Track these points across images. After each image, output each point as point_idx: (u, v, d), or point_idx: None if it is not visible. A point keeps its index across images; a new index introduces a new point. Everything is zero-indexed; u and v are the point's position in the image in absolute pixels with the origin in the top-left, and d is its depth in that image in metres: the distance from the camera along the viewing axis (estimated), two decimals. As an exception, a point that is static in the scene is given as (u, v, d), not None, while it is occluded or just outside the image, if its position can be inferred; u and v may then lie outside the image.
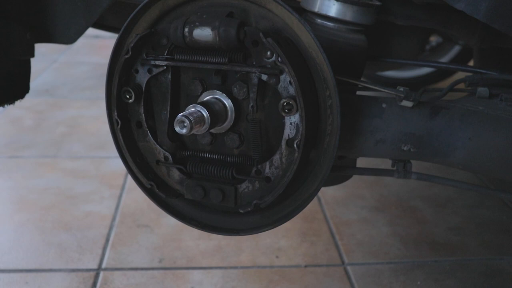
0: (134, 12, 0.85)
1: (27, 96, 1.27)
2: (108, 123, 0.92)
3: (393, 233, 1.78)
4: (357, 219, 1.86)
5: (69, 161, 2.19)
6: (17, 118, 2.58)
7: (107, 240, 1.66)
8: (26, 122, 2.57)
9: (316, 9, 0.99)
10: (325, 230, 1.77)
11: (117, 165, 2.10)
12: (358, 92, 1.04)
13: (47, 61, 3.59)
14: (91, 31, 1.29)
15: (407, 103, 0.93)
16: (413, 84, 3.17)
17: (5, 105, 1.23)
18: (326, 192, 1.98)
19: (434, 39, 3.01)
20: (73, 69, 3.52)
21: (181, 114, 0.76)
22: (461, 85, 1.01)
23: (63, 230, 1.70)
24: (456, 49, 3.00)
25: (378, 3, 1.01)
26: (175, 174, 0.89)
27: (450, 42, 2.86)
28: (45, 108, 2.78)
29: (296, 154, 0.77)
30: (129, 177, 2.01)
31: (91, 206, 1.85)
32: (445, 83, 3.18)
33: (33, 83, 1.23)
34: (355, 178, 1.86)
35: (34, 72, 1.30)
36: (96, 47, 3.73)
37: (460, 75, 2.76)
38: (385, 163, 1.05)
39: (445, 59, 3.04)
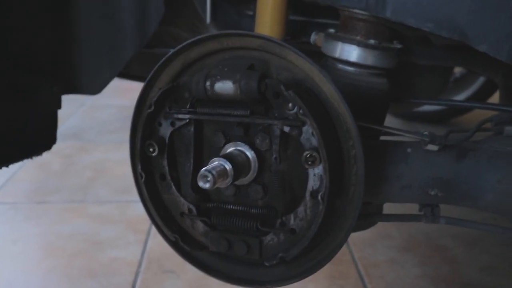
0: (156, 67, 0.87)
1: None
2: (132, 175, 0.93)
3: (423, 274, 1.73)
4: (386, 260, 1.81)
5: (95, 206, 2.21)
6: (45, 163, 2.63)
7: (133, 287, 1.65)
8: (53, 167, 2.62)
9: (337, 55, 0.99)
10: (353, 273, 1.74)
11: (142, 209, 2.09)
12: (381, 136, 1.04)
13: (75, 105, 3.67)
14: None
15: (433, 147, 0.92)
16: (440, 116, 3.13)
17: (33, 157, 1.25)
18: (353, 233, 1.94)
19: (458, 71, 2.99)
20: (99, 112, 3.59)
21: (204, 168, 0.76)
22: (487, 124, 1.00)
23: (89, 277, 1.70)
24: (480, 80, 2.97)
25: (399, 46, 1.01)
26: (200, 226, 0.88)
27: (475, 73, 2.83)
28: (72, 152, 2.82)
29: (321, 206, 0.76)
30: (155, 221, 2.01)
31: (117, 251, 1.85)
32: (471, 116, 3.14)
33: (61, 127, 1.27)
34: (382, 217, 1.83)
35: (62, 116, 1.33)
36: (121, 89, 3.79)
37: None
38: (412, 207, 1.03)
39: (469, 90, 3.01)
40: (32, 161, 2.62)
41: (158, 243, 1.88)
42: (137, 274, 1.72)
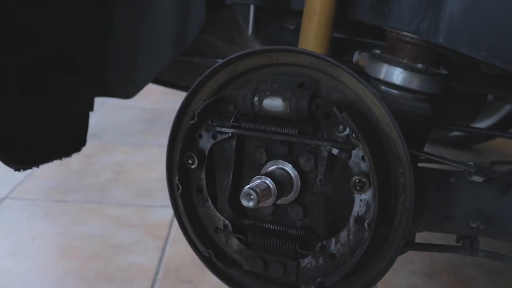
0: (201, 77, 0.85)
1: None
2: (167, 187, 0.91)
3: (445, 304, 1.69)
4: (407, 285, 1.77)
5: (114, 208, 2.20)
6: (65, 162, 2.60)
7: (150, 294, 1.63)
8: (73, 166, 2.61)
9: (381, 76, 0.97)
10: (373, 296, 1.70)
11: (162, 215, 2.09)
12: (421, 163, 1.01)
13: (96, 104, 3.68)
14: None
15: (478, 179, 0.89)
16: (463, 141, 3.09)
17: (62, 158, 1.24)
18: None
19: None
20: (120, 113, 3.59)
21: (248, 186, 0.74)
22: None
23: (106, 281, 1.68)
24: (507, 108, 2.93)
25: (445, 71, 0.98)
26: (234, 243, 0.86)
27: (502, 101, 2.80)
28: (92, 151, 2.82)
29: (366, 233, 0.74)
30: (173, 228, 2.00)
31: (135, 257, 1.84)
32: (492, 143, 3.10)
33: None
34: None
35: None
36: (143, 91, 3.80)
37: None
38: (443, 236, 1.00)
39: (495, 117, 2.97)
40: (53, 159, 2.63)
41: (176, 251, 1.86)
42: (154, 281, 1.70)
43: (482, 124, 2.93)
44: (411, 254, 1.95)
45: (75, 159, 2.66)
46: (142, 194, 2.33)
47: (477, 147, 3.13)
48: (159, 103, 3.89)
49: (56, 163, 2.59)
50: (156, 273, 1.74)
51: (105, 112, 3.58)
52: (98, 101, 3.95)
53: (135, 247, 1.90)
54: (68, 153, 1.25)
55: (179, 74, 1.59)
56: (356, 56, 1.12)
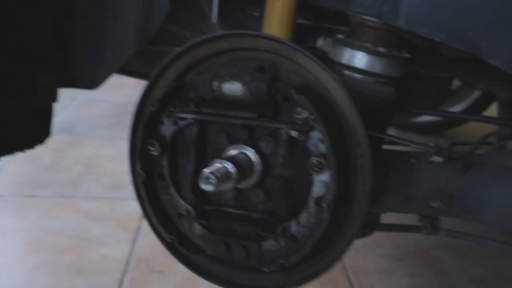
0: (162, 64, 0.85)
1: (47, 134, 1.26)
2: (130, 175, 0.91)
3: (414, 285, 1.72)
4: (376, 268, 1.80)
5: (85, 202, 2.18)
6: (35, 156, 2.59)
7: (121, 286, 1.62)
8: (43, 161, 2.58)
9: (345, 61, 0.97)
10: (343, 280, 1.72)
11: (133, 207, 2.08)
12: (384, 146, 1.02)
13: (67, 98, 3.63)
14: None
15: (438, 159, 0.91)
16: (433, 127, 3.14)
17: (25, 150, 1.22)
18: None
19: (453, 84, 2.99)
20: (92, 107, 3.55)
21: (207, 170, 0.74)
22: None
23: (77, 275, 1.67)
24: (475, 94, 2.97)
25: (407, 55, 1.00)
26: (197, 228, 0.86)
27: (470, 87, 2.84)
28: (63, 146, 2.79)
29: (325, 214, 0.75)
30: (144, 220, 1.99)
31: (106, 249, 1.83)
32: (463, 129, 3.15)
33: (53, 121, 1.25)
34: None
35: (54, 109, 1.30)
36: (115, 85, 3.76)
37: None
38: (405, 216, 1.02)
39: (464, 104, 3.02)
40: (22, 154, 2.58)
41: (147, 243, 1.85)
42: (125, 273, 1.69)
43: (453, 110, 2.97)
44: (380, 238, 1.98)
45: (46, 154, 2.63)
46: (113, 187, 2.32)
47: (448, 133, 3.18)
48: (132, 96, 3.85)
49: (25, 158, 2.56)
50: (127, 264, 1.74)
51: (77, 107, 3.54)
52: (70, 95, 3.92)
53: (106, 239, 1.89)
54: (31, 145, 1.22)
55: (146, 64, 1.57)
56: (320, 42, 1.12)
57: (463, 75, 1.18)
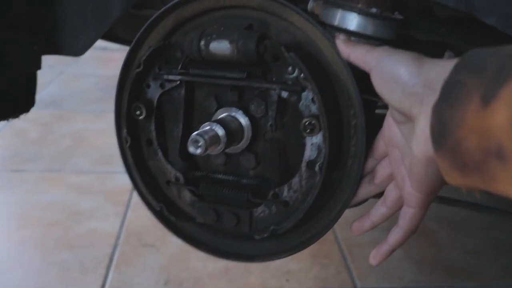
0: (147, 23, 0.81)
1: (33, 108, 1.22)
2: (116, 141, 0.87)
3: (407, 256, 1.71)
4: (370, 240, 1.79)
5: (74, 176, 2.15)
6: (22, 131, 2.55)
7: (111, 260, 1.60)
8: (31, 135, 2.54)
9: (336, 23, 0.94)
10: (336, 253, 1.71)
11: (123, 180, 2.05)
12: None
13: (54, 72, 3.57)
14: (99, 43, 1.25)
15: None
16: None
17: (9, 119, 1.18)
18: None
19: (446, 54, 2.96)
20: (80, 81, 3.49)
21: (195, 133, 0.71)
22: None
23: (65, 249, 1.65)
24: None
25: (400, 17, 0.96)
26: (187, 195, 0.83)
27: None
28: (51, 120, 2.74)
29: (317, 178, 0.72)
30: (135, 194, 1.96)
31: (96, 223, 1.80)
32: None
33: (39, 95, 1.20)
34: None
35: (40, 83, 1.26)
36: (103, 59, 3.71)
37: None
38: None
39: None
40: (9, 129, 2.54)
41: (138, 216, 1.83)
42: (115, 246, 1.67)
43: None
44: (374, 211, 1.97)
45: (33, 128, 2.59)
46: (103, 161, 2.28)
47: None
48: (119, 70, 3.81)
49: (12, 133, 2.52)
50: (118, 238, 1.71)
51: (63, 80, 3.48)
52: (57, 69, 3.86)
53: (96, 213, 1.86)
54: (15, 114, 1.19)
55: (133, 30, 1.53)
56: (311, 4, 1.08)
57: (459, 39, 1.15)
